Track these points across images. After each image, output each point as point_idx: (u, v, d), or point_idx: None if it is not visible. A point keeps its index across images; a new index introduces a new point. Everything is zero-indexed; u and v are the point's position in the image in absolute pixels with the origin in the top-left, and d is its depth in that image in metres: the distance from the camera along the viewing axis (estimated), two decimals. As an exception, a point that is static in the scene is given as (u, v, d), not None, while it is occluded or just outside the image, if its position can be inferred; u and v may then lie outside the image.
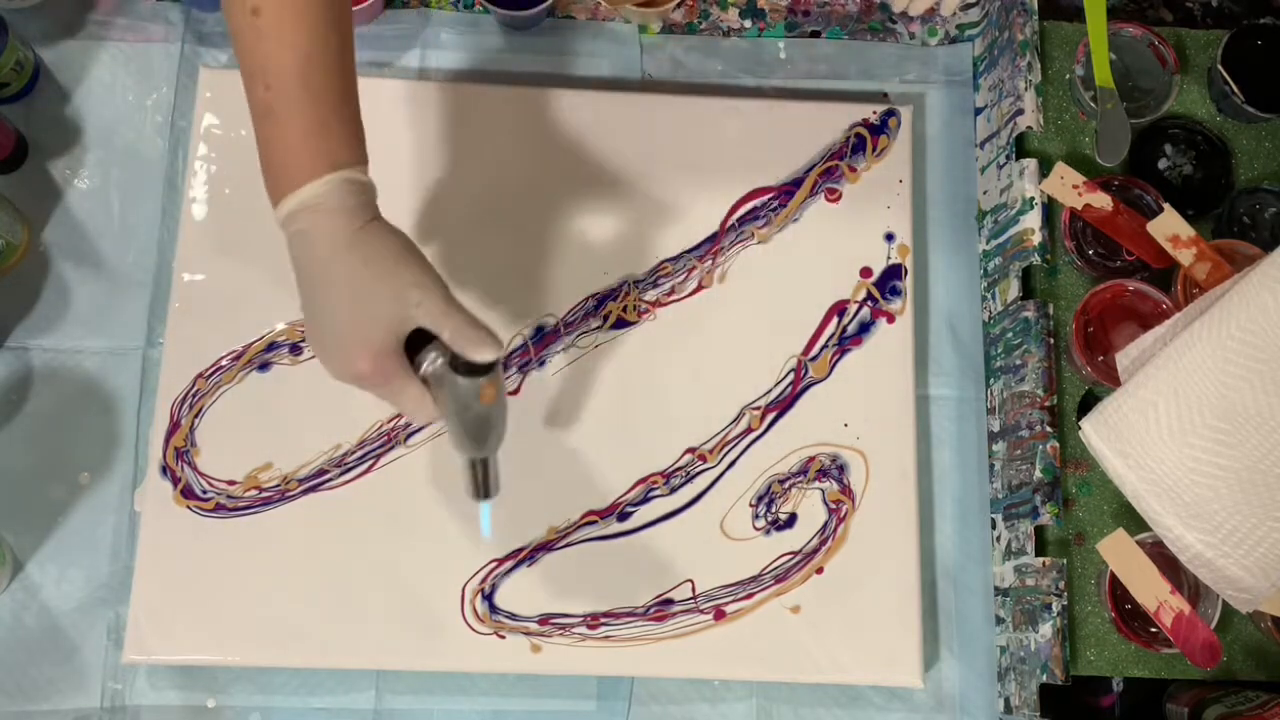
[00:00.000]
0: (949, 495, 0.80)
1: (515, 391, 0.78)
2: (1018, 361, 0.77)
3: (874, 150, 0.83)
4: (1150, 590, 0.70)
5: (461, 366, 0.58)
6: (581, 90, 0.83)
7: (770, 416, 0.78)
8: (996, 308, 0.81)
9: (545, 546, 0.75)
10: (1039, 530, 0.74)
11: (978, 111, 0.86)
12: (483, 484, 0.64)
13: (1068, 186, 0.76)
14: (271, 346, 0.77)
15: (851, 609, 0.75)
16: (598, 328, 0.79)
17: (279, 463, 0.76)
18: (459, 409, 0.60)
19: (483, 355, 0.58)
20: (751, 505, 0.77)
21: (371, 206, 0.59)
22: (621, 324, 0.79)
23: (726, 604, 0.75)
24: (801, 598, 0.75)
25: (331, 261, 0.58)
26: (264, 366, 0.77)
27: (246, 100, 0.58)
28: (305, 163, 0.57)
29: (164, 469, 0.75)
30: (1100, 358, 0.75)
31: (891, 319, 0.80)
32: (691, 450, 0.77)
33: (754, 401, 0.78)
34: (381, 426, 0.76)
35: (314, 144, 0.57)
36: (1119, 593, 0.72)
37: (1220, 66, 0.78)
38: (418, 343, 0.60)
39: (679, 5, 0.86)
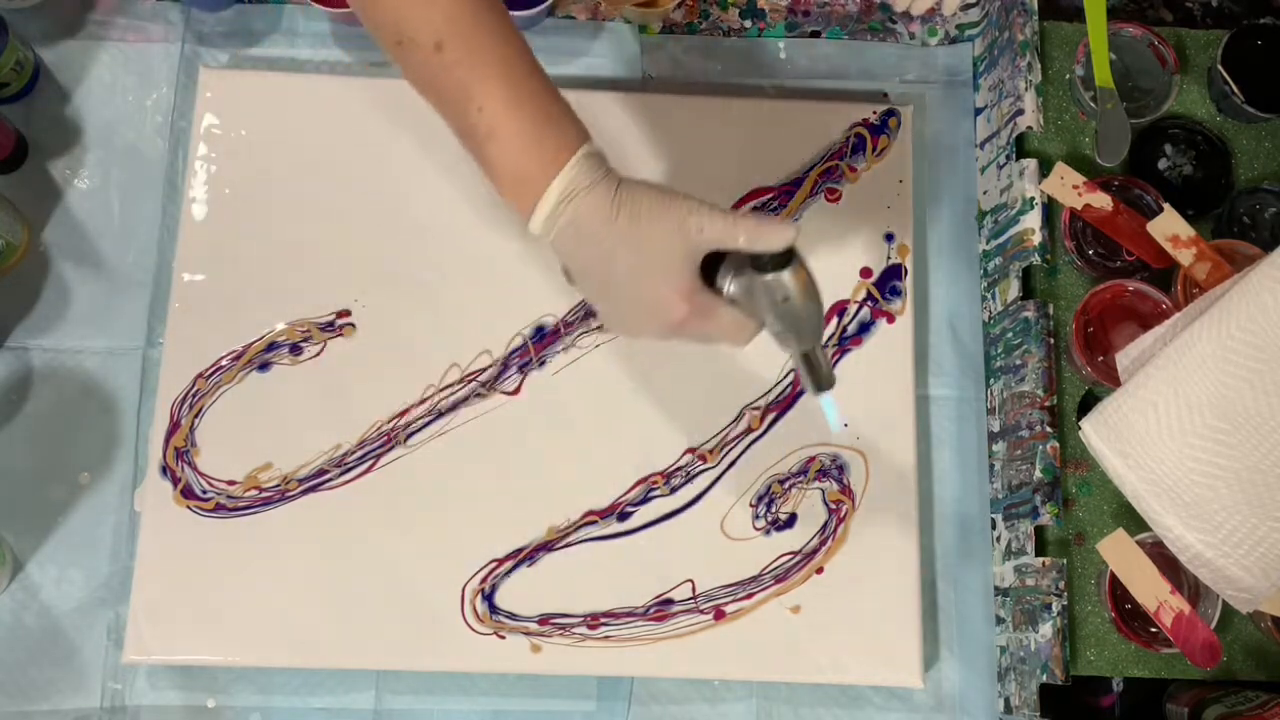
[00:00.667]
0: (949, 495, 0.80)
1: (515, 391, 0.78)
2: (1018, 361, 0.77)
3: (874, 150, 0.83)
4: (1150, 590, 0.70)
5: (767, 264, 0.58)
6: (581, 90, 0.83)
7: (770, 416, 0.78)
8: (996, 308, 0.81)
9: (545, 546, 0.75)
10: (1039, 530, 0.74)
11: (978, 112, 0.86)
12: (821, 372, 0.63)
13: (1068, 186, 0.76)
14: (271, 346, 0.77)
15: (851, 609, 0.75)
16: (598, 328, 0.79)
17: (279, 463, 0.76)
18: (777, 307, 0.59)
19: (783, 240, 0.58)
20: (751, 505, 0.77)
21: (605, 166, 0.59)
22: (621, 324, 0.79)
23: (726, 604, 0.75)
24: (801, 598, 0.75)
25: (606, 235, 0.58)
26: (264, 366, 0.77)
27: (453, 129, 0.59)
28: (545, 162, 0.57)
29: (164, 469, 0.75)
30: (1100, 358, 0.75)
31: (891, 319, 0.80)
32: (691, 450, 0.77)
33: (754, 401, 0.78)
34: (381, 426, 0.76)
35: (545, 142, 0.58)
36: (1119, 593, 0.72)
37: (1220, 66, 0.78)
38: (706, 273, 0.60)
39: (679, 5, 0.86)
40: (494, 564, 0.75)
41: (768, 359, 0.79)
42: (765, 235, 0.58)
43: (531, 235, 0.59)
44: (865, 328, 0.80)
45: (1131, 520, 0.72)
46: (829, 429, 0.73)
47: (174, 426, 0.76)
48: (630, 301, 0.60)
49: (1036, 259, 0.76)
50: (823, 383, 0.63)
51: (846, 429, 0.76)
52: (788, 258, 0.58)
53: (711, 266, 0.60)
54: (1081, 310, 0.75)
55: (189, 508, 0.75)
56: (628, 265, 0.58)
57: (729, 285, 0.60)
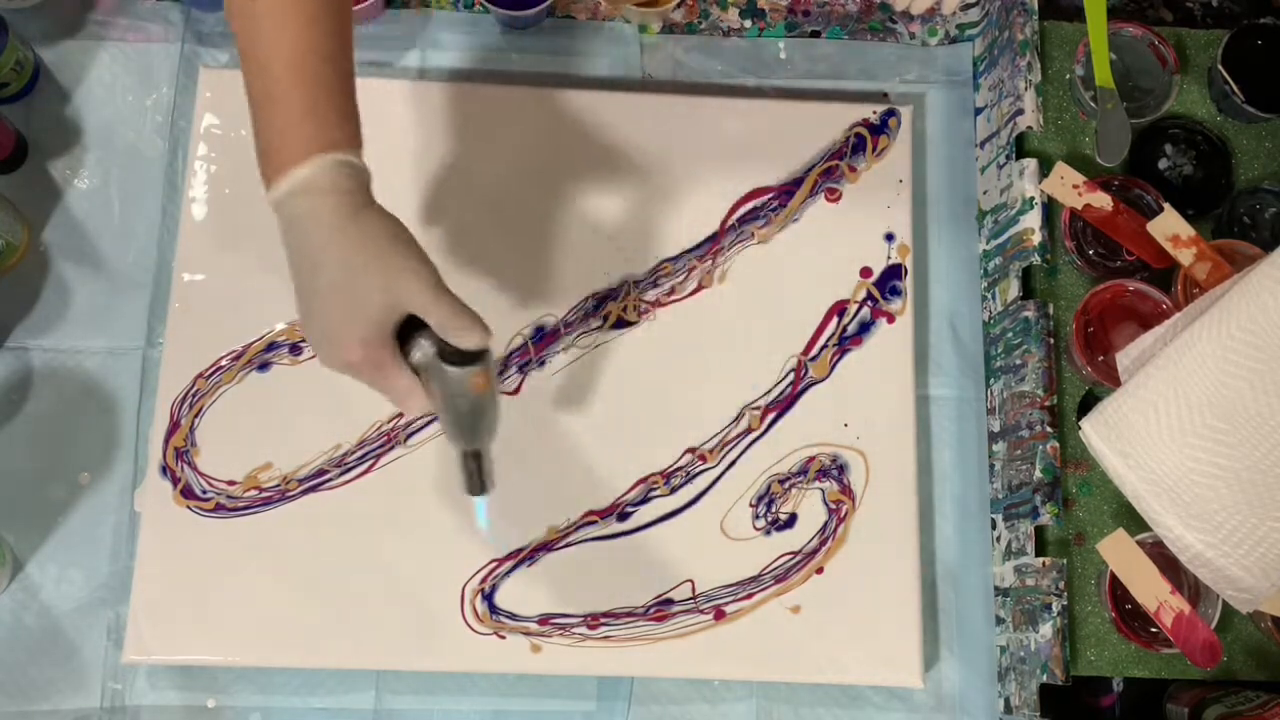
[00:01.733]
0: (949, 495, 0.80)
1: (515, 391, 0.78)
2: (1018, 361, 0.77)
3: (874, 150, 0.83)
4: (1150, 590, 0.70)
5: (451, 355, 0.58)
6: (581, 90, 0.83)
7: (770, 416, 0.78)
8: (996, 308, 0.81)
9: (545, 546, 0.75)
10: (1039, 530, 0.74)
11: (978, 111, 0.86)
12: (477, 478, 0.64)
13: (1068, 186, 0.76)
14: (271, 346, 0.77)
15: (851, 609, 0.75)
16: (598, 328, 0.79)
17: (279, 463, 0.76)
18: (449, 399, 0.59)
19: (470, 342, 0.57)
20: (751, 505, 0.77)
21: (366, 191, 0.59)
22: (621, 324, 0.79)
23: (726, 604, 0.75)
24: (801, 598, 0.75)
25: (324, 245, 0.57)
26: (264, 366, 0.77)
27: (245, 90, 0.58)
28: (299, 145, 0.56)
29: (164, 469, 0.75)
30: (1100, 358, 0.75)
31: (891, 319, 0.80)
32: (691, 450, 0.77)
33: (754, 401, 0.78)
34: (381, 426, 0.76)
35: (308, 127, 0.57)
36: (1119, 593, 0.72)
37: (1220, 66, 0.78)
38: (410, 332, 0.59)
39: (679, 5, 0.86)
40: (494, 564, 0.75)
41: (768, 359, 0.79)
42: (458, 328, 0.57)
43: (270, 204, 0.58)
44: (865, 328, 0.80)
45: (1131, 520, 0.72)
46: (477, 527, 0.73)
47: (174, 426, 0.76)
48: (318, 319, 0.58)
49: (1036, 259, 0.76)
50: (478, 488, 0.64)
51: (492, 534, 0.74)
52: (476, 357, 0.58)
53: (420, 326, 0.59)
54: (1081, 310, 0.75)
55: (189, 508, 0.75)
56: (329, 286, 0.57)
57: (417, 353, 0.59)
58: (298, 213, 0.57)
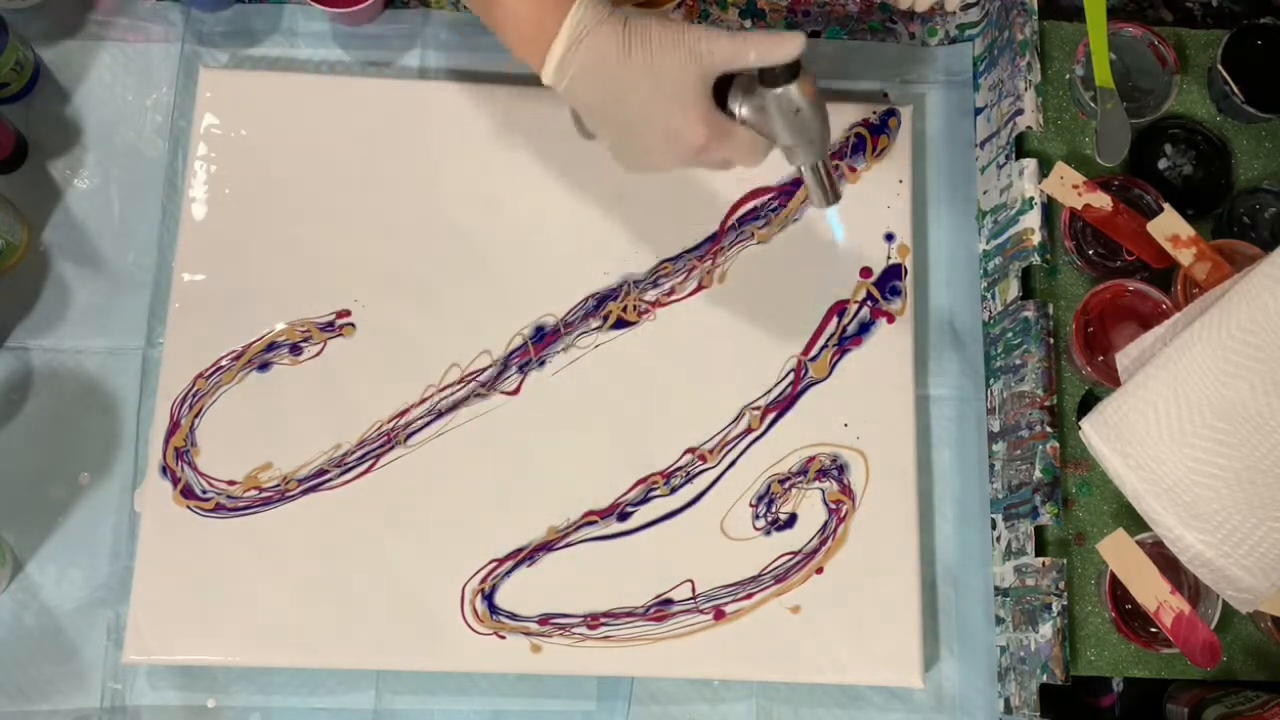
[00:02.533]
0: (949, 495, 0.80)
1: (515, 391, 0.78)
2: (1018, 361, 0.77)
3: (874, 150, 0.83)
4: (1150, 590, 0.70)
5: (778, 78, 0.60)
6: (581, 90, 0.83)
7: (770, 416, 0.78)
8: (996, 308, 0.81)
9: (545, 546, 0.75)
10: (1039, 530, 0.74)
11: (978, 111, 0.86)
12: (830, 187, 0.65)
13: (1068, 186, 0.76)
14: (271, 346, 0.77)
15: (851, 609, 0.75)
16: (598, 328, 0.79)
17: (279, 463, 0.76)
18: (789, 118, 0.61)
19: (793, 49, 0.59)
20: (751, 505, 0.77)
21: (615, 9, 0.61)
22: (621, 324, 0.79)
23: (726, 604, 0.75)
24: (801, 598, 0.75)
25: (620, 71, 0.60)
26: (264, 366, 0.77)
27: (475, 9, 0.62)
28: (550, 8, 0.59)
29: (164, 469, 0.75)
30: (1100, 358, 0.75)
31: (891, 319, 0.80)
32: (691, 450, 0.77)
33: (754, 401, 0.78)
34: (381, 426, 0.76)
35: None
36: (1119, 593, 0.72)
37: (1220, 66, 0.78)
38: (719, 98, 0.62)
39: (679, 5, 0.86)
40: (494, 564, 0.75)
41: (768, 359, 0.79)
42: (775, 48, 0.59)
43: (548, 84, 0.61)
44: (865, 328, 0.80)
45: (1131, 520, 0.72)
46: (835, 240, 0.76)
47: (174, 426, 0.76)
48: (649, 134, 0.61)
49: (1036, 259, 0.76)
50: (832, 197, 0.66)
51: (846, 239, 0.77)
52: (795, 70, 0.60)
53: (720, 93, 0.62)
54: (1081, 310, 0.75)
55: (189, 508, 0.75)
56: (644, 97, 0.60)
57: (740, 107, 0.62)
58: (583, 61, 0.60)
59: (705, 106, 0.61)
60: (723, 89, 0.62)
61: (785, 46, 0.59)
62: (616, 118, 0.62)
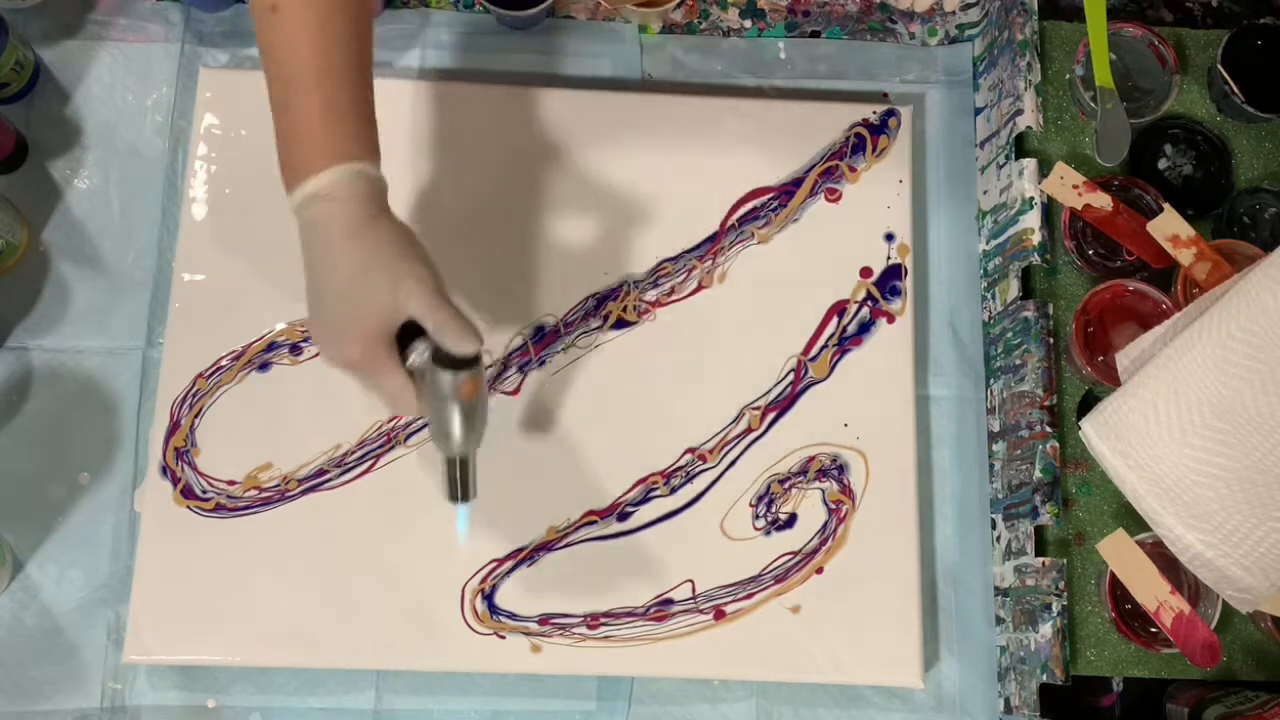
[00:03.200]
0: (949, 495, 0.80)
1: (515, 391, 0.78)
2: (1018, 361, 0.77)
3: (874, 150, 0.83)
4: (1150, 590, 0.70)
5: (444, 359, 0.60)
6: (582, 90, 0.83)
7: (770, 416, 0.78)
8: (996, 308, 0.81)
9: (545, 546, 0.75)
10: (1039, 530, 0.74)
11: (978, 111, 0.86)
12: (460, 485, 0.65)
13: (1068, 186, 0.76)
14: (271, 346, 0.77)
15: (851, 609, 0.75)
16: (598, 328, 0.79)
17: (279, 463, 0.76)
18: (438, 403, 0.61)
19: (463, 348, 0.60)
20: (751, 505, 0.77)
21: (380, 200, 0.62)
22: (621, 324, 0.79)
23: (726, 604, 0.75)
24: (801, 598, 0.75)
25: (337, 249, 0.60)
26: (264, 366, 0.77)
27: (268, 95, 0.61)
28: (318, 154, 0.60)
29: (164, 469, 0.75)
30: (1100, 358, 0.75)
31: (891, 319, 0.80)
32: (691, 450, 0.77)
33: (754, 401, 0.78)
34: (381, 427, 0.76)
35: (328, 136, 0.60)
36: (1119, 593, 0.72)
37: (1220, 66, 0.78)
38: (410, 338, 0.62)
39: (679, 5, 0.86)
40: (494, 564, 0.75)
41: (768, 359, 0.79)
42: (453, 333, 0.60)
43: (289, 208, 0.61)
44: (865, 328, 0.80)
45: (1131, 520, 0.72)
46: (458, 538, 0.74)
47: (174, 426, 0.76)
48: (324, 316, 0.61)
49: (1036, 259, 0.76)
50: (464, 495, 0.65)
51: (468, 544, 0.75)
52: (468, 364, 0.60)
53: (419, 333, 0.61)
54: (1081, 310, 0.75)
55: (189, 508, 0.75)
56: (337, 286, 0.60)
57: (414, 357, 0.62)
58: (314, 218, 0.60)
59: (373, 334, 0.60)
60: (421, 331, 0.61)
61: (462, 341, 0.60)
62: (313, 284, 0.61)
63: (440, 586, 0.74)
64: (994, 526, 0.79)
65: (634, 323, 0.79)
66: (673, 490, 0.77)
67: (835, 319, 0.80)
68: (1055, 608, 0.71)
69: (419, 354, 0.62)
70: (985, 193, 0.84)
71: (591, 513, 0.76)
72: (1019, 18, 0.80)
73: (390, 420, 0.76)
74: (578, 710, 0.75)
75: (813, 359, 0.79)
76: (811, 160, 0.83)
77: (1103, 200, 0.75)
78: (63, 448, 0.77)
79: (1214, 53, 0.80)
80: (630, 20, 0.86)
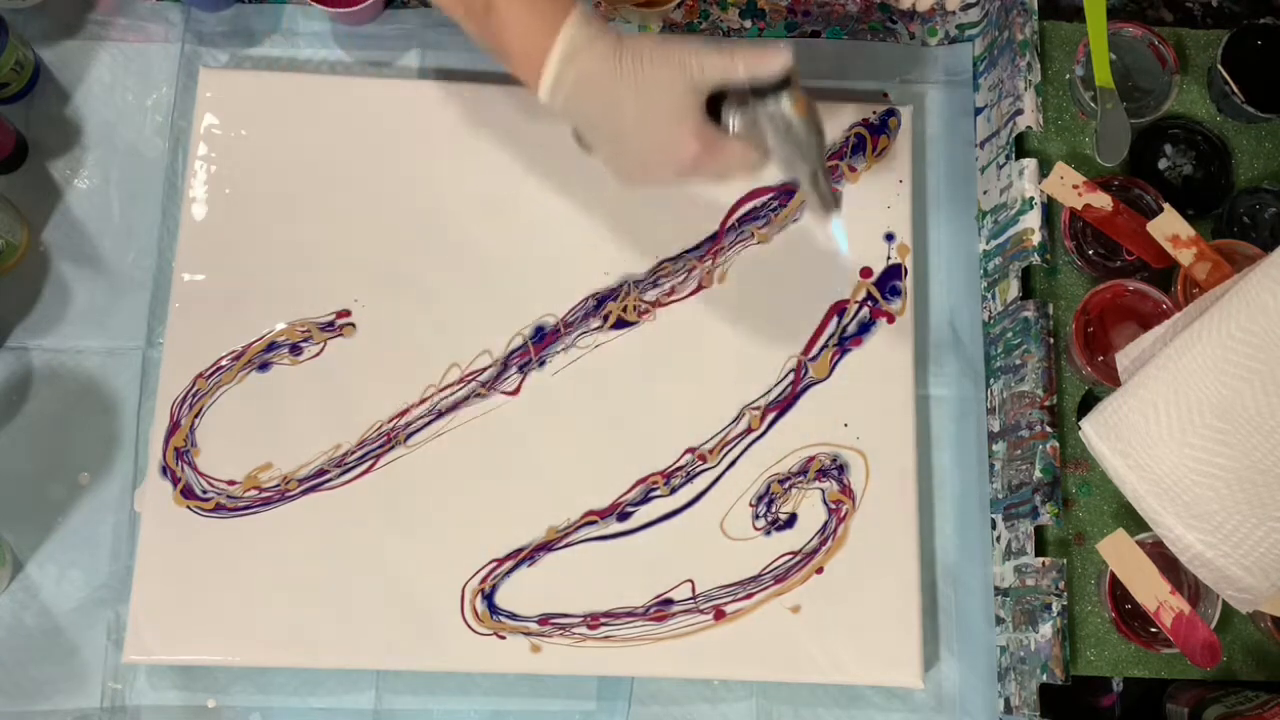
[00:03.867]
0: (949, 495, 0.80)
1: (515, 391, 0.78)
2: (1018, 361, 0.77)
3: (874, 150, 0.83)
4: (1150, 590, 0.70)
5: (767, 91, 0.61)
6: (581, 90, 0.83)
7: (770, 416, 0.78)
8: (996, 308, 0.81)
9: (545, 546, 0.75)
10: (1039, 530, 0.74)
11: (978, 111, 0.86)
12: (828, 195, 0.65)
13: (1068, 186, 0.76)
14: (271, 346, 0.77)
15: (851, 609, 0.75)
16: (598, 328, 0.79)
17: (279, 463, 0.76)
18: (780, 131, 0.62)
19: (778, 64, 0.60)
20: (751, 505, 0.77)
21: (603, 23, 0.62)
22: (621, 324, 0.79)
23: (726, 604, 0.75)
24: (801, 598, 0.75)
25: (613, 85, 0.61)
26: (264, 366, 0.77)
27: (457, 17, 0.65)
28: (545, 27, 0.61)
29: (164, 469, 0.75)
30: (1100, 358, 0.75)
31: (891, 319, 0.80)
32: (691, 450, 0.77)
33: (754, 401, 0.78)
34: (381, 426, 0.76)
35: (542, 8, 0.61)
36: (1119, 593, 0.72)
37: (1220, 66, 0.78)
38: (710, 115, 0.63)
39: (679, 5, 0.86)
40: (494, 564, 0.75)
41: (768, 359, 0.79)
42: (763, 63, 0.60)
43: (542, 103, 0.62)
44: (865, 328, 0.80)
45: (1131, 520, 0.72)
46: (840, 251, 0.77)
47: (174, 426, 0.76)
48: (642, 147, 0.63)
49: (1036, 259, 0.76)
50: (833, 205, 0.66)
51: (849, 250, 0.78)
52: (785, 83, 0.61)
53: (715, 107, 0.63)
54: (1081, 310, 0.75)
55: (189, 508, 0.75)
56: (637, 113, 0.61)
57: (734, 120, 0.63)
58: (577, 77, 0.61)
59: (697, 120, 0.61)
60: (717, 103, 0.63)
61: (773, 61, 0.60)
62: (611, 133, 0.63)
63: (440, 586, 0.74)
64: (994, 526, 0.79)
65: (634, 323, 0.79)
66: (673, 490, 0.77)
67: (835, 319, 0.80)
68: (1055, 608, 0.71)
69: (737, 114, 0.62)
70: (985, 193, 0.84)
71: (591, 513, 0.76)
72: (1019, 18, 0.80)
73: (391, 420, 0.76)
74: (578, 710, 0.75)
75: (813, 359, 0.79)
76: (812, 160, 0.82)
77: (1103, 200, 0.75)
78: (63, 448, 0.77)
79: (1214, 53, 0.80)
80: (630, 20, 0.86)
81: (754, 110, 0.62)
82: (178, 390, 0.76)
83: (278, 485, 0.75)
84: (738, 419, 0.78)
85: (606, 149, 0.65)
